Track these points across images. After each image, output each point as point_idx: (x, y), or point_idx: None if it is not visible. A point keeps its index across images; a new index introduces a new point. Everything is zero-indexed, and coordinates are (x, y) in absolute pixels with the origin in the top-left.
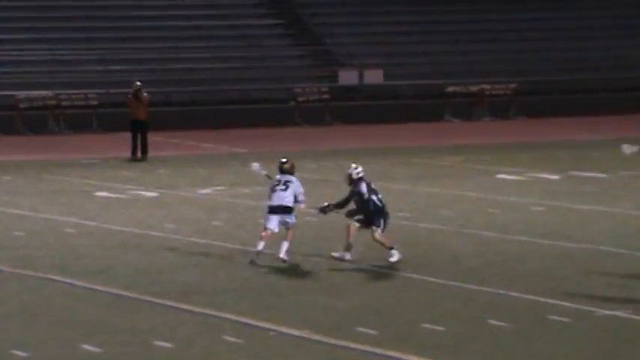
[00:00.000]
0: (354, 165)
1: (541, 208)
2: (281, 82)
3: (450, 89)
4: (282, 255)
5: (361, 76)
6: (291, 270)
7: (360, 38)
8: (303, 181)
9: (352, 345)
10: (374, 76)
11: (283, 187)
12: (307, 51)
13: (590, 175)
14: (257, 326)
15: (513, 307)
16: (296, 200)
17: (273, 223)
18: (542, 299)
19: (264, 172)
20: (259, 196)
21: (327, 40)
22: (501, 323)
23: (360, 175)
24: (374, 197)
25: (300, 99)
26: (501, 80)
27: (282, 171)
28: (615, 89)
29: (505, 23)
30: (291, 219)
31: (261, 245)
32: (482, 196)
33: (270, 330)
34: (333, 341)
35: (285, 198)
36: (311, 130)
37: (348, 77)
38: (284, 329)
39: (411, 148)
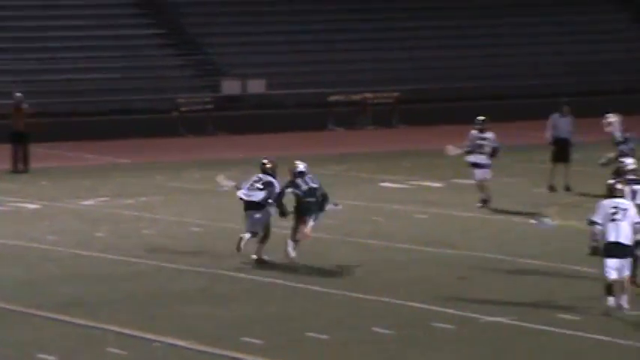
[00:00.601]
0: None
1: (424, 216)
2: (163, 93)
3: (333, 98)
4: (253, 255)
5: (244, 86)
6: (175, 280)
7: (243, 48)
8: (187, 192)
9: (237, 355)
10: (257, 86)
11: (261, 186)
12: (189, 61)
13: (472, 182)
14: (141, 337)
15: (398, 315)
16: (267, 200)
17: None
18: (427, 306)
19: (231, 184)
20: (142, 207)
21: (209, 49)
22: (386, 331)
23: (298, 170)
24: (289, 190)
25: (182, 109)
26: (384, 89)
27: (264, 172)
28: (496, 97)
29: (386, 32)
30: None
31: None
32: (366, 205)
33: (154, 341)
34: (218, 351)
35: (258, 195)
36: (194, 140)
37: (230, 87)
38: (169, 340)
39: (294, 158)
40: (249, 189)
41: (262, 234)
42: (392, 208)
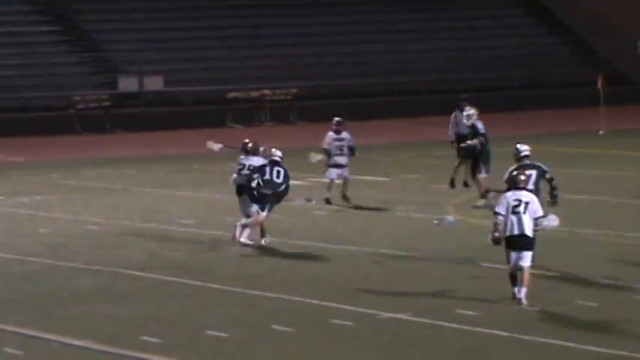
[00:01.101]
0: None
1: (323, 213)
2: (59, 90)
3: (231, 95)
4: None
5: (141, 83)
6: (73, 279)
7: (139, 44)
8: (84, 190)
9: (136, 354)
10: (154, 83)
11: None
12: (85, 58)
13: (370, 178)
14: (39, 337)
15: (297, 312)
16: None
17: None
18: (326, 303)
19: (219, 146)
20: (38, 206)
21: (106, 46)
22: (285, 328)
23: (273, 157)
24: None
25: (79, 106)
26: (282, 85)
27: (248, 152)
28: (395, 93)
29: (284, 28)
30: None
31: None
32: None
33: (52, 341)
34: (116, 351)
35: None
36: (91, 138)
37: (127, 84)
38: (66, 340)
39: (192, 155)
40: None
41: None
42: (291, 205)
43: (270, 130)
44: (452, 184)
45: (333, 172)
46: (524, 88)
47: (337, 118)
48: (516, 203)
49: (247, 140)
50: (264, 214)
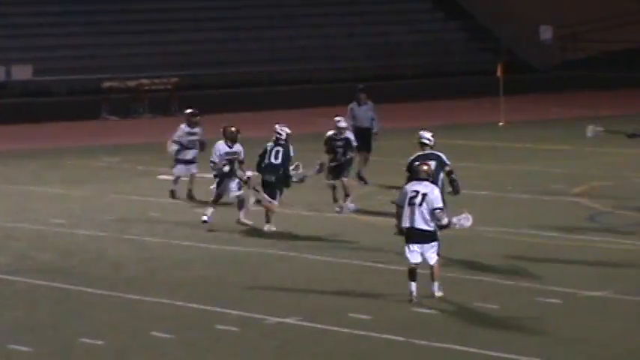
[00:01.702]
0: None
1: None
2: None
3: (107, 84)
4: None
5: (8, 72)
6: None
7: (5, 31)
8: None
9: None
10: (22, 72)
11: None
12: None
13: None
14: None
15: (179, 317)
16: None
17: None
18: (210, 308)
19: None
20: None
21: None
22: (166, 335)
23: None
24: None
25: None
26: (161, 74)
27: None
28: (283, 82)
29: (163, 12)
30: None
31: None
32: (144, 199)
33: None
34: None
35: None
36: None
37: None
38: None
39: (65, 149)
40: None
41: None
42: (170, 203)
43: (149, 122)
44: (360, 179)
45: (183, 169)
46: (420, 78)
47: (190, 110)
48: (413, 194)
49: (226, 125)
50: (276, 202)
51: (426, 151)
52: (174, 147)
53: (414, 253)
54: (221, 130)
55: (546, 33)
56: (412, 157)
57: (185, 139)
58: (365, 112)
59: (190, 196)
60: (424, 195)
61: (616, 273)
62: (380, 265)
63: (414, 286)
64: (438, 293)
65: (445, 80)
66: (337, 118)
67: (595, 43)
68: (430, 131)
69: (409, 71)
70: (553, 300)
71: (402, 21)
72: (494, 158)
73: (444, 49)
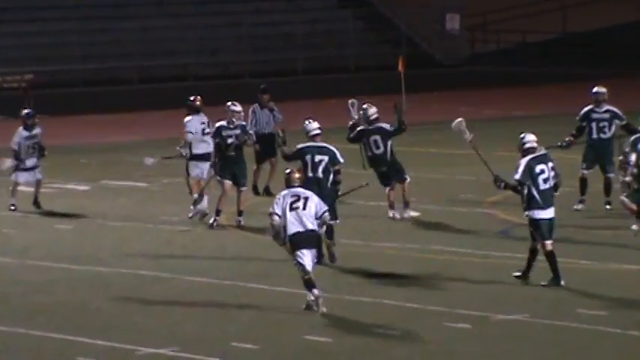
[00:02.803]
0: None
1: (68, 227)
2: None
3: None
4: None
5: None
6: None
7: None
8: None
9: None
10: None
11: None
12: None
13: (126, 184)
14: None
15: (36, 349)
16: None
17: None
18: (72, 337)
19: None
20: None
21: None
22: None
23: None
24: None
25: None
26: (14, 70)
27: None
28: (151, 79)
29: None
30: None
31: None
32: None
33: None
34: None
35: None
36: None
37: None
38: None
39: None
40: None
41: None
42: (26, 217)
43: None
44: (255, 191)
45: (21, 176)
46: (312, 73)
47: (27, 111)
48: (294, 199)
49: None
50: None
51: (318, 143)
52: (9, 163)
53: (305, 261)
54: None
55: (453, 22)
56: (302, 145)
57: (24, 145)
58: (268, 116)
59: (37, 204)
60: (306, 198)
61: (533, 293)
62: (266, 287)
63: (316, 292)
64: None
65: (339, 76)
66: (229, 103)
67: (508, 34)
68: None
69: (299, 66)
70: (462, 325)
71: (291, 9)
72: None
73: (338, 41)
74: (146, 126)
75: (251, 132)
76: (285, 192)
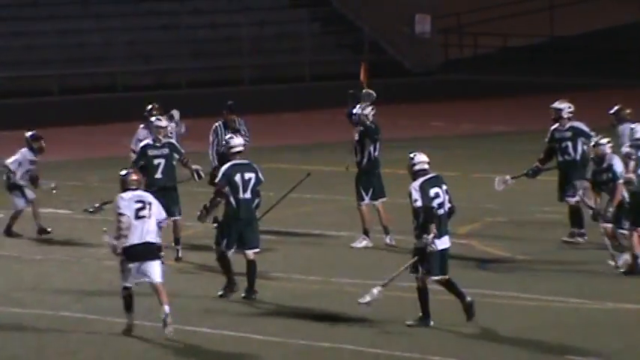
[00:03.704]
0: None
1: None
2: None
3: None
4: None
5: None
6: None
7: None
8: None
9: None
10: None
11: None
12: None
13: (44, 211)
14: None
15: None
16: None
17: None
18: None
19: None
20: None
21: None
22: None
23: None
24: None
25: None
26: None
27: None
28: (80, 90)
29: None
30: None
31: None
32: None
33: None
34: None
35: None
36: None
37: None
38: None
39: None
40: None
41: None
42: None
43: None
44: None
45: (20, 202)
46: (260, 83)
47: (32, 133)
48: (140, 206)
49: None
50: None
51: (242, 161)
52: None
53: (137, 273)
54: None
55: (423, 24)
56: (229, 165)
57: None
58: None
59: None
60: (150, 204)
61: (516, 338)
62: (208, 330)
63: (131, 317)
64: (169, 325)
65: (292, 86)
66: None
67: (487, 38)
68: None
69: (246, 74)
70: None
71: (235, 8)
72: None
73: (291, 46)
74: (68, 143)
75: (210, 154)
76: (128, 195)
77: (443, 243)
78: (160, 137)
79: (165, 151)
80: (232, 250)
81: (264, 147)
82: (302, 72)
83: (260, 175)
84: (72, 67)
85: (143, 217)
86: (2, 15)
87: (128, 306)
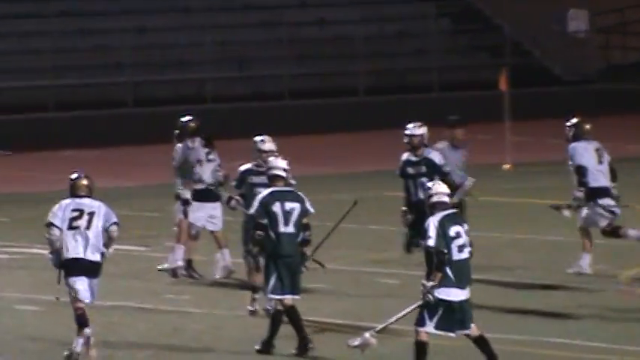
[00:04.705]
0: None
1: None
2: None
3: None
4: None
5: None
6: None
7: None
8: None
9: None
10: None
11: None
12: None
13: None
14: None
15: None
16: None
17: None
18: None
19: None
20: None
21: None
22: None
23: None
24: None
25: None
26: None
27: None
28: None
29: None
30: None
31: None
32: None
33: None
34: None
35: None
36: None
37: None
38: None
39: None
40: None
41: None
42: None
43: None
44: None
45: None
46: (377, 93)
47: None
48: (76, 214)
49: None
50: None
51: (282, 188)
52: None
53: (82, 293)
54: None
55: (578, 21)
56: (267, 193)
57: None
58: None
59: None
60: (91, 214)
61: None
62: None
63: (79, 342)
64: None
65: (417, 97)
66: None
67: None
68: (286, 157)
69: (360, 83)
70: None
71: (350, 2)
72: (496, 220)
73: (416, 48)
74: (143, 165)
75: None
76: (67, 201)
77: (464, 293)
78: (263, 162)
79: None
80: (284, 296)
81: (382, 171)
82: (428, 79)
83: (307, 205)
84: (149, 72)
85: (77, 227)
86: (67, 9)
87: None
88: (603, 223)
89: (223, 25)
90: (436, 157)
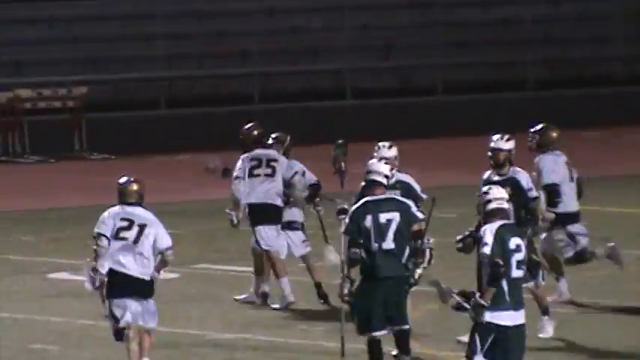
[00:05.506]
0: None
1: None
2: None
3: None
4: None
5: None
6: None
7: None
8: None
9: None
10: None
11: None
12: None
13: None
14: None
15: None
16: None
17: None
18: None
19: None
20: None
21: None
22: None
23: None
24: None
25: None
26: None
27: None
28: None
29: None
30: None
31: None
32: None
33: None
34: None
35: None
36: None
37: None
38: None
39: None
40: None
41: None
42: None
43: None
44: None
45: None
46: (547, 87)
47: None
48: (125, 224)
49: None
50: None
51: (382, 196)
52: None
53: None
54: None
55: None
56: (359, 204)
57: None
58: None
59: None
60: (141, 227)
61: None
62: None
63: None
64: None
65: (598, 92)
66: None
67: None
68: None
69: (530, 74)
70: None
71: None
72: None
73: (597, 33)
74: None
75: None
76: (116, 209)
77: (519, 317)
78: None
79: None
80: (382, 332)
81: None
82: (610, 70)
83: (412, 211)
84: (280, 62)
85: (125, 238)
86: None
87: None
88: (569, 253)
89: (365, 6)
90: (523, 178)
